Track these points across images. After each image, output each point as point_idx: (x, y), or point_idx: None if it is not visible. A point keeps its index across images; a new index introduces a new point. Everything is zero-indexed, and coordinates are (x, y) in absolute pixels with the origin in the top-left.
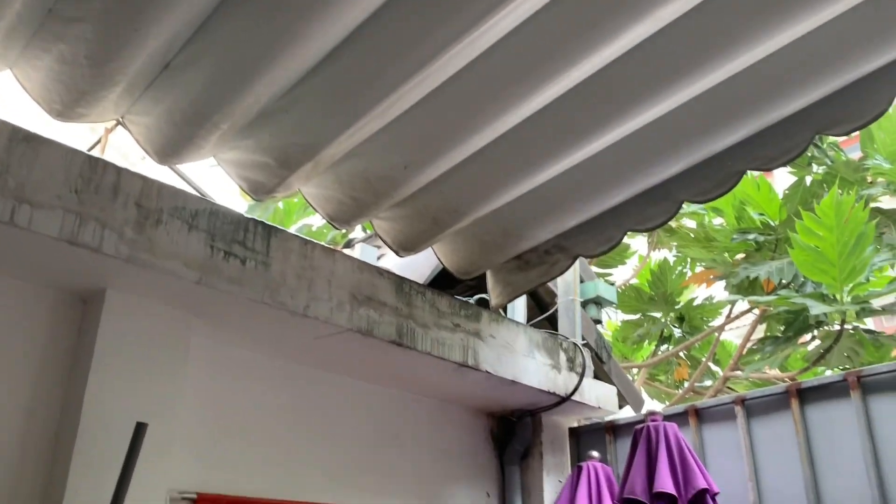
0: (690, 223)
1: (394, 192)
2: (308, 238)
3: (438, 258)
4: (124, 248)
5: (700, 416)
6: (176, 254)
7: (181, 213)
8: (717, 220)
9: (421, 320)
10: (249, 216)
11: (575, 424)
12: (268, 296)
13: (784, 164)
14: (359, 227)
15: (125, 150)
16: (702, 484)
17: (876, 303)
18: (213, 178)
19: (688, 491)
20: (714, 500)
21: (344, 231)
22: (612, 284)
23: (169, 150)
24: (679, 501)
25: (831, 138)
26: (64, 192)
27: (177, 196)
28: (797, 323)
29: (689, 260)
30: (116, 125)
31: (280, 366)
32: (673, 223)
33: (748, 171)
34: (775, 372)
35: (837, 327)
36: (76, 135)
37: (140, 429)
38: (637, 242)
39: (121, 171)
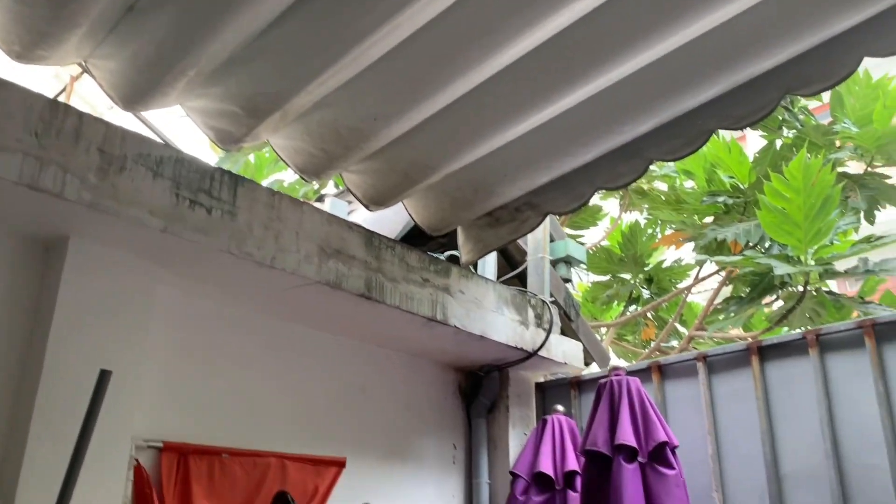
0: (662, 186)
1: (364, 145)
2: (276, 190)
3: (409, 214)
4: (87, 194)
5: (663, 372)
6: (140, 201)
7: (145, 161)
8: (689, 184)
9: (390, 274)
10: (216, 166)
11: (541, 379)
12: (234, 246)
13: (754, 123)
14: (331, 184)
15: (92, 99)
16: (662, 437)
17: (839, 266)
18: (183, 131)
19: (648, 443)
20: (673, 452)
21: (316, 188)
22: (583, 245)
23: (134, 95)
24: (639, 454)
25: (802, 102)
26: (24, 135)
27: (141, 143)
28: (762, 284)
29: (659, 222)
30: (82, 73)
31: (248, 317)
32: (645, 185)
33: (719, 132)
34: (738, 332)
35: (801, 289)
36: (41, 83)
37: (104, 376)
38: (609, 204)
39: (83, 115)
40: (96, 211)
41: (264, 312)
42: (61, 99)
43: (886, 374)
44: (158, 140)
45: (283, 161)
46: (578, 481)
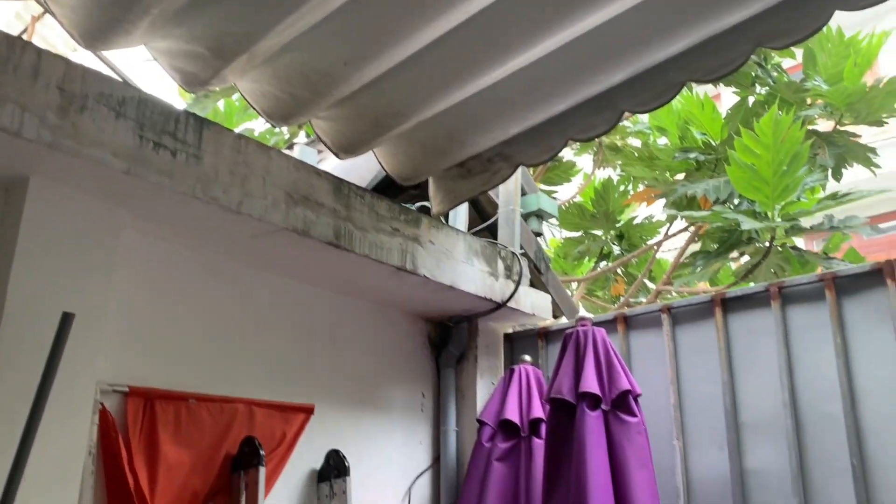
0: (636, 143)
1: (333, 90)
2: (242, 134)
3: (380, 163)
4: (46, 133)
5: (628, 323)
6: (102, 142)
7: (107, 100)
8: (662, 140)
9: (359, 223)
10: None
11: (510, 330)
12: (200, 190)
13: (725, 76)
14: (302, 135)
15: (54, 41)
16: (625, 385)
17: (806, 222)
18: (150, 78)
19: (612, 392)
20: (636, 401)
21: (287, 138)
22: (556, 199)
23: (96, 33)
24: (603, 401)
25: (776, 59)
26: None
27: (102, 82)
28: (730, 241)
29: (632, 179)
30: (43, 13)
31: (216, 263)
32: (619, 142)
33: (692, 87)
34: (704, 286)
35: (767, 245)
36: (1, 24)
37: (66, 319)
38: (583, 160)
39: (41, 52)
40: (57, 151)
41: (232, 259)
42: None
43: (845, 326)
44: (121, 80)
45: (250, 105)
46: (543, 428)
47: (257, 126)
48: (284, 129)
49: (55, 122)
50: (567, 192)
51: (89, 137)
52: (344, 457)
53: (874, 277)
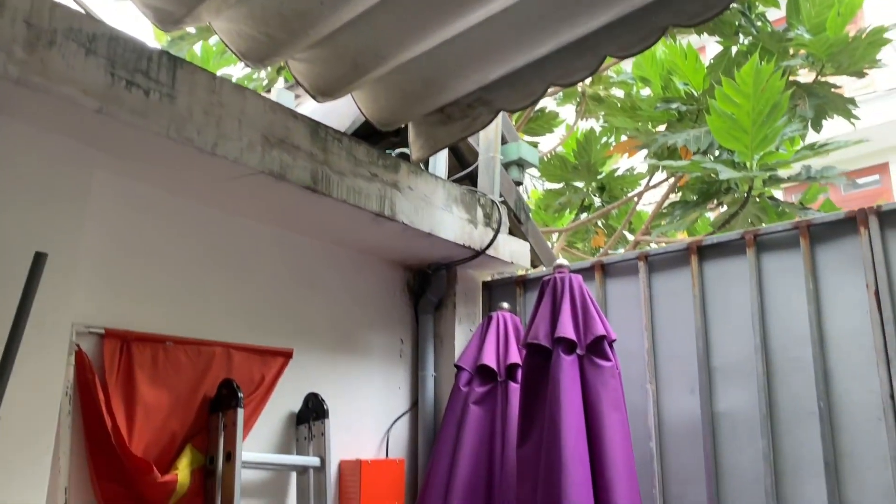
0: (619, 93)
1: (310, 30)
2: (216, 74)
3: (358, 108)
4: (14, 68)
5: (605, 270)
6: (73, 79)
7: (77, 36)
8: (646, 91)
9: (337, 167)
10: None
11: (488, 278)
12: (173, 130)
13: (708, 20)
14: (281, 81)
15: None
16: (600, 331)
17: (784, 173)
18: (124, 19)
19: (587, 337)
20: (611, 346)
21: (265, 83)
22: (537, 148)
23: None
24: (578, 346)
25: (760, 8)
26: None
27: (72, 17)
28: (709, 191)
29: (614, 130)
30: None
31: (193, 208)
32: (602, 92)
33: (676, 36)
34: (682, 236)
35: (745, 195)
36: None
37: (39, 259)
38: (566, 111)
39: None
40: (25, 88)
41: (209, 204)
42: None
43: (817, 273)
44: (90, 16)
45: (226, 46)
46: (520, 373)
47: (235, 72)
48: (262, 74)
49: (22, 57)
50: (549, 143)
51: (59, 74)
52: (322, 400)
53: (847, 225)
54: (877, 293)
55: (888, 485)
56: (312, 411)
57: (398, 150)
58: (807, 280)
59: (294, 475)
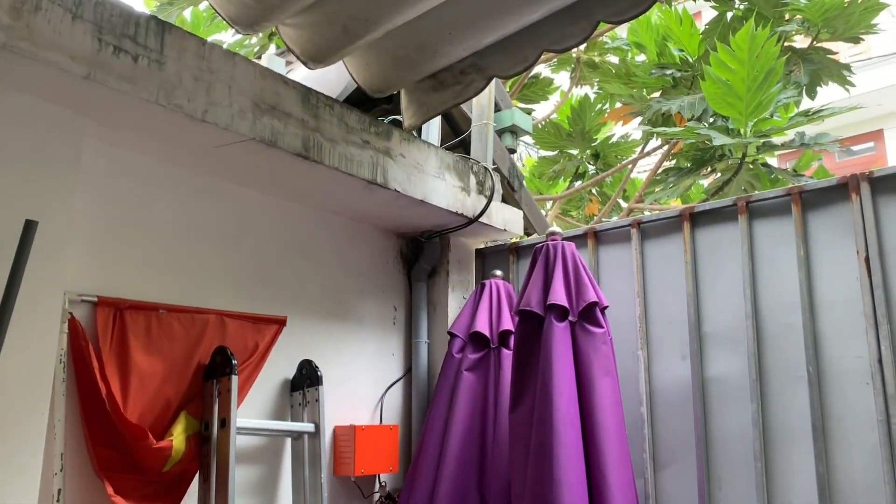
0: (614, 59)
1: None
2: (205, 39)
3: (350, 74)
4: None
5: (598, 237)
6: (60, 45)
7: (63, 1)
8: (641, 58)
9: (329, 134)
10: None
11: (481, 246)
12: (163, 97)
13: None
14: (272, 48)
15: None
16: (592, 298)
17: (778, 140)
18: None
19: (579, 304)
20: (603, 312)
21: (256, 50)
22: (530, 114)
23: None
24: (570, 313)
25: None
26: None
27: None
28: (703, 158)
29: (609, 97)
30: None
31: (183, 174)
32: (596, 58)
33: (671, 1)
34: (676, 204)
35: (739, 162)
36: None
37: (30, 226)
38: (560, 78)
39: None
40: (12, 53)
41: (200, 170)
42: None
43: (808, 239)
44: None
45: (216, 11)
46: (512, 340)
47: (226, 38)
48: (253, 40)
49: (8, 22)
50: (544, 110)
51: (45, 40)
52: (316, 367)
53: (839, 192)
54: (867, 259)
55: (875, 447)
56: (307, 378)
57: (390, 118)
58: (798, 246)
59: (289, 441)
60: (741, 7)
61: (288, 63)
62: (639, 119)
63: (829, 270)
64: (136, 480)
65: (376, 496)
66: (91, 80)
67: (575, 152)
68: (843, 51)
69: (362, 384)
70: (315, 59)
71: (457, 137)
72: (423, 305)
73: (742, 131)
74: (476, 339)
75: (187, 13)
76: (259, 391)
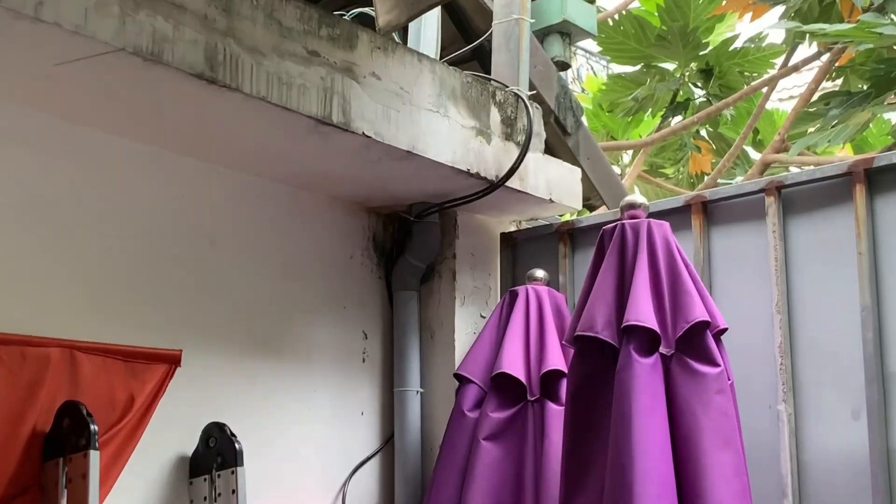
0: None
1: None
2: None
3: None
4: None
5: (709, 213)
6: None
7: None
8: None
9: (249, 41)
10: None
11: (511, 229)
12: None
13: None
14: None
15: None
16: (699, 315)
17: None
18: None
19: (678, 325)
20: (718, 339)
21: None
22: (594, 3)
23: None
24: (662, 341)
25: None
26: None
27: None
28: (889, 75)
29: None
30: None
31: (5, 110)
32: None
33: None
34: (842, 153)
35: None
36: None
37: None
38: None
39: None
40: None
41: (34, 107)
42: None
43: None
44: None
45: None
46: (563, 388)
47: None
48: None
49: None
50: None
51: None
52: (233, 435)
53: None
54: None
55: None
56: (216, 454)
57: (355, 11)
58: None
59: None
60: None
61: None
62: (779, 10)
63: None
64: None
65: None
66: None
67: (671, 67)
68: None
69: (311, 463)
70: None
71: (469, 43)
72: (412, 330)
73: None
74: (503, 387)
75: None
76: (137, 476)
